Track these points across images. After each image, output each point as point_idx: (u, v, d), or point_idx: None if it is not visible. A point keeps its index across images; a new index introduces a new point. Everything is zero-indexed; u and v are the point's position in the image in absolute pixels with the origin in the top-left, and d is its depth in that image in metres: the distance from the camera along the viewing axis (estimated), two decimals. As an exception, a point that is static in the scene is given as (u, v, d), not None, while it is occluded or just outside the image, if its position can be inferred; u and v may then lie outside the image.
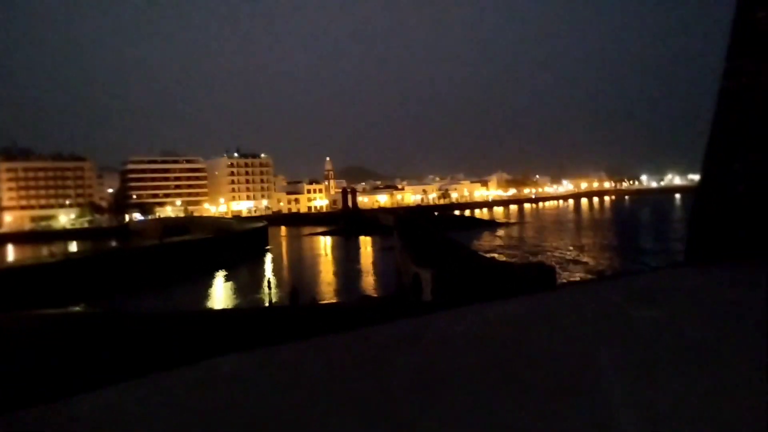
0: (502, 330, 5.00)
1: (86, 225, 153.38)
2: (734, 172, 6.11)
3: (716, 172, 6.28)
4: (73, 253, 70.91)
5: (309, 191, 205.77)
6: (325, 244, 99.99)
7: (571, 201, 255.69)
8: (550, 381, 3.51)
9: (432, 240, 43.76)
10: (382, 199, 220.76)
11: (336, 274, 59.17)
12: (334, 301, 40.68)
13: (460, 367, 3.92)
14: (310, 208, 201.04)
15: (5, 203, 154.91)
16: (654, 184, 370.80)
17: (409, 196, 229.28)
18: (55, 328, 27.68)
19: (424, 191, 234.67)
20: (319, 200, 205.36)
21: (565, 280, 38.47)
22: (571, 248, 68.68)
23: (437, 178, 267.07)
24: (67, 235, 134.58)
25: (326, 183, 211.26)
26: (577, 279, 42.69)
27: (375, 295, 40.94)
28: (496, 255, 58.55)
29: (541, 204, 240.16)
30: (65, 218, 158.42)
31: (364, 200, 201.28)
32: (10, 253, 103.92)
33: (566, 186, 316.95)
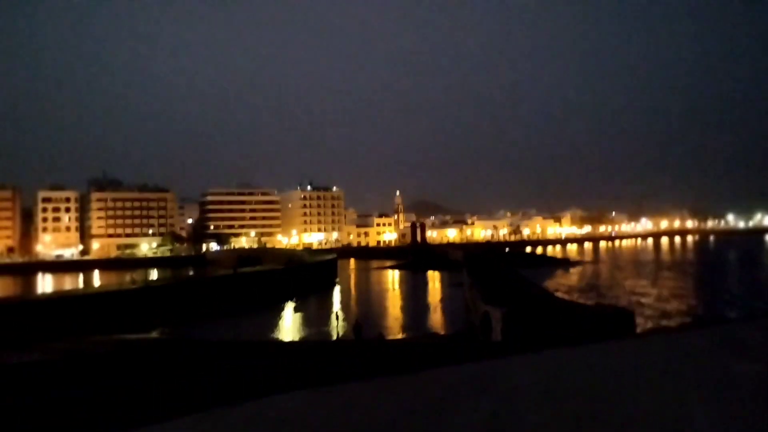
0: (579, 380, 4.63)
1: (167, 254, 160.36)
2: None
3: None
4: (153, 280, 74.05)
5: (378, 224, 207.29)
6: (393, 277, 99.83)
7: (650, 240, 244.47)
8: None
9: (503, 277, 42.71)
10: (451, 234, 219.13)
11: (403, 309, 58.72)
12: (401, 336, 40.24)
13: (531, 420, 3.62)
14: (379, 241, 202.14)
15: (95, 231, 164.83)
16: (741, 225, 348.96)
17: (479, 231, 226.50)
18: (132, 353, 28.74)
19: (495, 227, 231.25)
20: (388, 234, 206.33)
21: (644, 327, 36.42)
22: (650, 292, 65.24)
23: (508, 214, 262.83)
24: (149, 263, 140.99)
25: (395, 217, 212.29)
26: (660, 326, 40.26)
27: (442, 333, 40.21)
28: (569, 296, 56.40)
29: (617, 242, 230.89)
30: (147, 246, 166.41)
31: (432, 235, 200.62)
32: (97, 278, 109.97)
33: (645, 224, 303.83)
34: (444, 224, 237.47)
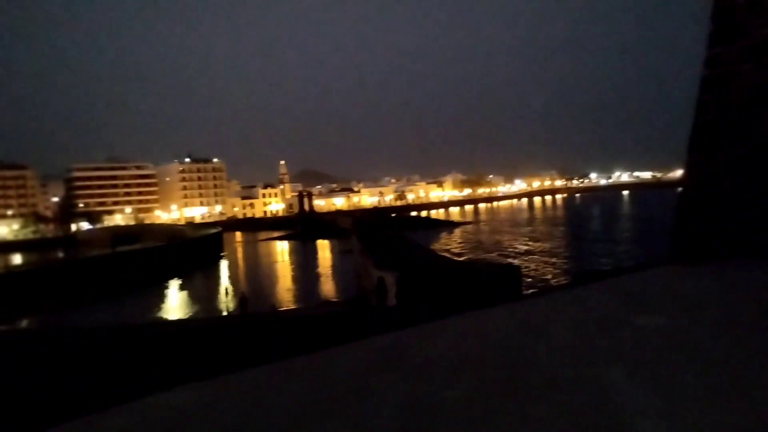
0: (487, 345, 4.57)
1: (30, 236, 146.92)
2: (718, 165, 5.90)
3: (700, 167, 6.06)
4: (16, 265, 67.61)
5: (264, 195, 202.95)
6: (282, 248, 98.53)
7: (524, 200, 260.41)
8: (551, 399, 3.10)
9: (392, 242, 43.42)
10: (339, 202, 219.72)
11: (294, 279, 58.20)
12: (294, 307, 39.84)
13: (449, 396, 3.46)
14: (265, 212, 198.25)
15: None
16: (603, 182, 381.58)
17: (366, 198, 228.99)
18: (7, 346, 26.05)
19: (381, 193, 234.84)
20: (274, 204, 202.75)
21: (529, 280, 38.68)
22: (529, 246, 69.58)
23: (393, 180, 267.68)
24: (10, 247, 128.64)
25: (281, 187, 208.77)
26: (549, 280, 42.89)
27: (336, 300, 40.31)
28: (456, 256, 58.70)
29: (495, 203, 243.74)
30: (7, 229, 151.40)
31: (320, 203, 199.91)
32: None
33: (519, 185, 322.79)
34: (331, 192, 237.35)
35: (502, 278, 20.16)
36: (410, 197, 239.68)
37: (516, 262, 48.62)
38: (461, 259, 54.10)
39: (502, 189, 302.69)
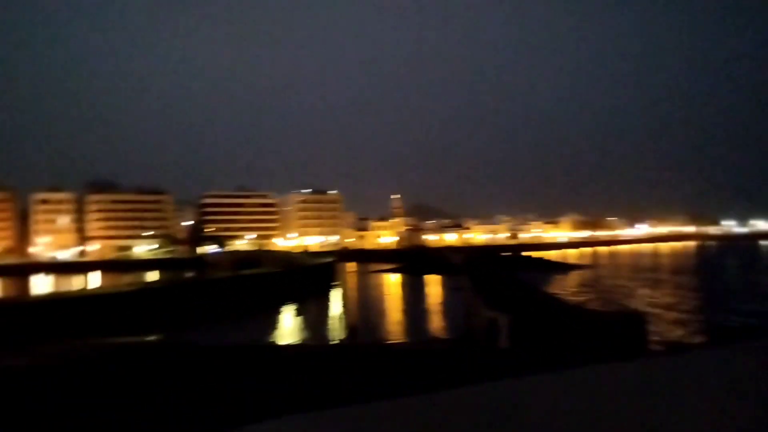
0: (619, 404, 4.14)
1: (165, 256, 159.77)
2: None
3: None
4: (151, 282, 73.48)
5: (377, 228, 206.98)
6: (392, 281, 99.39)
7: (649, 245, 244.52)
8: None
9: (504, 281, 42.27)
10: (450, 238, 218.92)
11: (402, 312, 58.25)
12: (401, 341, 39.75)
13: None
14: (377, 244, 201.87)
15: (92, 233, 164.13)
16: (739, 230, 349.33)
17: (478, 235, 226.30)
18: (130, 357, 28.18)
19: (493, 231, 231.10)
20: (387, 237, 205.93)
21: (654, 333, 35.83)
22: (655, 296, 64.85)
23: (506, 218, 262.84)
24: (146, 265, 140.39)
25: (394, 220, 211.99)
26: (680, 336, 39.48)
27: (444, 337, 39.72)
28: (572, 300, 55.93)
29: (616, 247, 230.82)
30: (145, 249, 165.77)
31: (431, 238, 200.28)
32: (94, 280, 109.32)
33: (643, 229, 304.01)
34: (443, 228, 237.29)
35: (626, 327, 18.79)
36: (524, 236, 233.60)
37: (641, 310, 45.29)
38: (579, 303, 51.41)
39: (624, 232, 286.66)
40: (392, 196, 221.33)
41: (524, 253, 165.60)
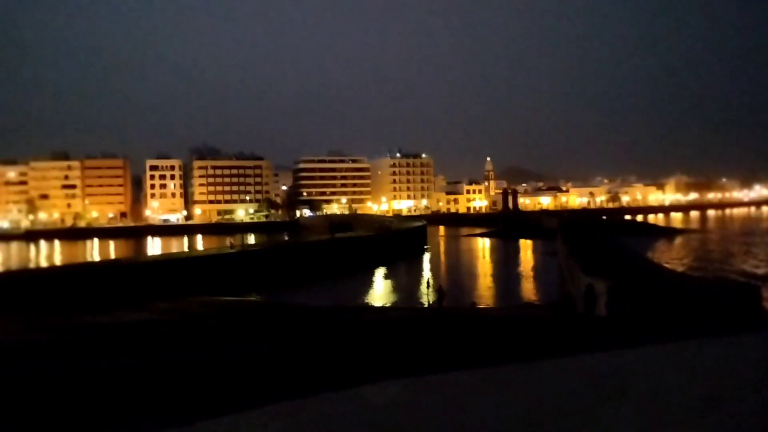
0: (742, 381, 3.73)
1: (263, 219, 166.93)
2: None
3: None
4: (251, 245, 77.04)
5: (468, 191, 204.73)
6: (483, 245, 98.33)
7: (765, 209, 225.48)
8: None
9: (602, 247, 40.51)
10: (545, 201, 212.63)
11: (494, 277, 57.58)
12: (493, 306, 39.35)
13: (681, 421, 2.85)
14: (468, 208, 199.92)
15: (197, 197, 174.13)
16: None
17: (575, 198, 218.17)
18: (232, 315, 29.82)
19: (591, 194, 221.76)
20: (478, 201, 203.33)
21: None
22: (768, 263, 59.91)
23: (606, 180, 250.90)
24: (246, 227, 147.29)
25: (486, 184, 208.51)
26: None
27: (538, 303, 38.91)
28: (677, 268, 52.85)
29: (728, 211, 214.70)
30: (245, 212, 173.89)
31: (525, 202, 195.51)
32: (199, 242, 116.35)
33: (760, 191, 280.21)
34: (537, 191, 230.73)
35: (736, 299, 17.35)
36: (625, 199, 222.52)
37: (754, 281, 41.98)
38: (685, 271, 48.50)
39: (738, 195, 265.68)
40: (487, 159, 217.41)
41: (626, 217, 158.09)
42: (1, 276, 47.42)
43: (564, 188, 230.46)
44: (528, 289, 49.08)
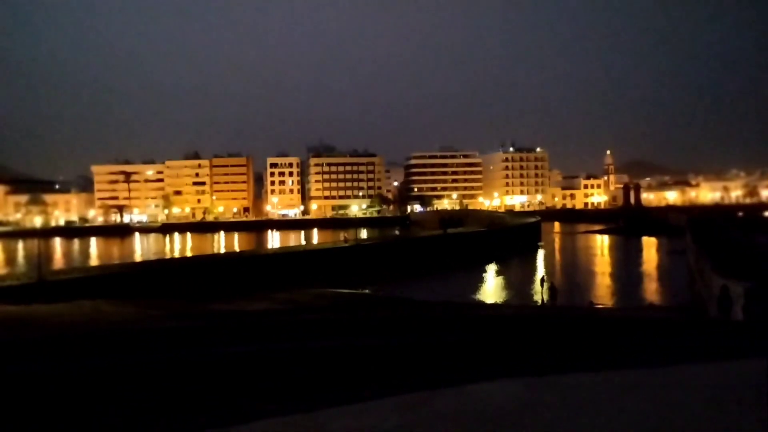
0: None
1: (375, 214, 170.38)
2: None
3: None
4: (363, 239, 78.89)
5: (586, 186, 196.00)
6: (602, 242, 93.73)
7: None
8: None
9: (739, 246, 37.16)
10: (671, 197, 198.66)
11: (614, 276, 54.69)
12: (612, 306, 37.41)
13: None
14: (586, 204, 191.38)
15: (313, 193, 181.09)
16: None
17: (706, 193, 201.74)
18: (346, 306, 30.71)
19: (725, 188, 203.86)
20: (596, 196, 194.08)
21: None
22: None
23: (742, 173, 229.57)
24: (359, 222, 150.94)
25: (605, 178, 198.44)
26: None
27: (663, 305, 36.46)
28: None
29: None
30: (358, 208, 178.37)
31: (648, 197, 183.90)
32: (315, 236, 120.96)
33: None
34: (662, 186, 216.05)
35: None
36: (765, 194, 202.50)
37: None
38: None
39: None
40: (606, 153, 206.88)
41: (766, 214, 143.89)
42: (141, 265, 52.12)
43: (693, 182, 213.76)
44: (651, 290, 46.13)
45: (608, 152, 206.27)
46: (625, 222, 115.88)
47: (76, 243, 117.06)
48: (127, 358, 11.91)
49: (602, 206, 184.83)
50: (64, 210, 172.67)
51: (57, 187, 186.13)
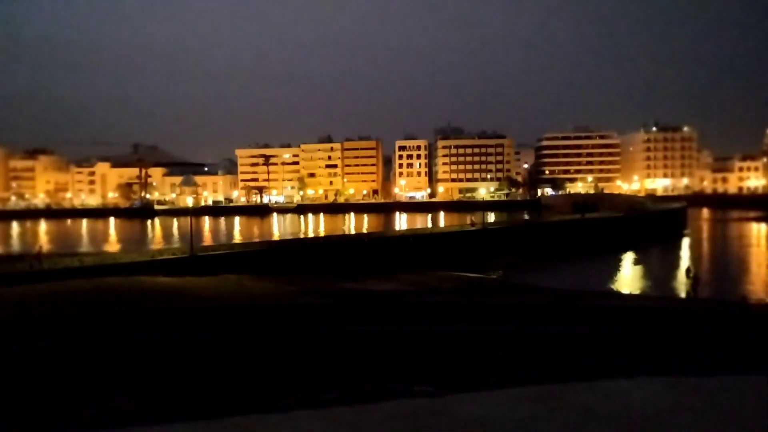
0: None
1: (503, 197, 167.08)
2: None
3: None
4: (490, 223, 77.80)
5: (741, 169, 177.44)
6: (758, 231, 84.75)
7: None
8: None
9: None
10: None
11: (772, 268, 49.32)
12: (764, 301, 33.82)
13: None
14: (741, 188, 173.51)
15: (440, 176, 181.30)
16: None
17: None
18: (473, 290, 30.65)
19: None
20: (753, 180, 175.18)
21: None
22: None
23: None
24: (486, 206, 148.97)
25: (765, 160, 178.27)
26: None
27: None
28: None
29: None
30: (486, 190, 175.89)
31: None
32: (442, 219, 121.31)
33: None
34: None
35: None
36: None
37: None
38: None
39: None
40: (767, 131, 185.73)
41: None
42: (278, 244, 55.44)
43: None
44: (819, 285, 41.04)
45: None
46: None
47: (222, 221, 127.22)
48: (267, 330, 12.83)
49: (760, 191, 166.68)
50: (212, 191, 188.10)
51: (206, 169, 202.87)
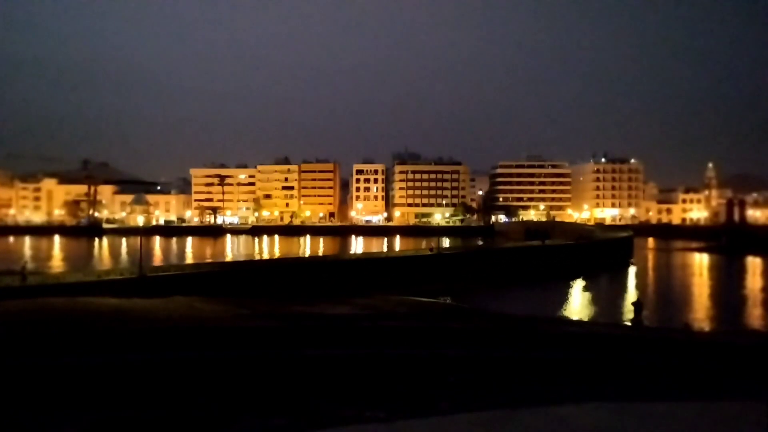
0: None
1: (458, 223, 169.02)
2: None
3: None
4: (445, 248, 78.47)
5: (684, 201, 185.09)
6: (700, 261, 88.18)
7: None
8: None
9: None
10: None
11: (712, 298, 51.32)
12: (708, 330, 35.08)
13: None
14: (684, 219, 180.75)
15: (396, 200, 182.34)
16: None
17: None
18: (426, 315, 30.64)
19: None
20: (696, 212, 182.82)
21: None
22: None
23: None
24: (441, 231, 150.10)
25: (706, 192, 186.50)
26: None
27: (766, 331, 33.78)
28: None
29: None
30: (441, 216, 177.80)
31: (755, 214, 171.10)
32: (398, 243, 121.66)
33: None
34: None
35: None
36: None
37: None
38: None
39: None
40: (709, 165, 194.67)
41: None
42: (231, 266, 54.43)
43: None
44: (756, 315, 42.89)
45: (710, 164, 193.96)
46: (728, 239, 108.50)
47: (173, 242, 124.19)
48: (216, 353, 12.50)
49: (702, 222, 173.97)
50: (164, 210, 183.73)
51: (158, 188, 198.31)
